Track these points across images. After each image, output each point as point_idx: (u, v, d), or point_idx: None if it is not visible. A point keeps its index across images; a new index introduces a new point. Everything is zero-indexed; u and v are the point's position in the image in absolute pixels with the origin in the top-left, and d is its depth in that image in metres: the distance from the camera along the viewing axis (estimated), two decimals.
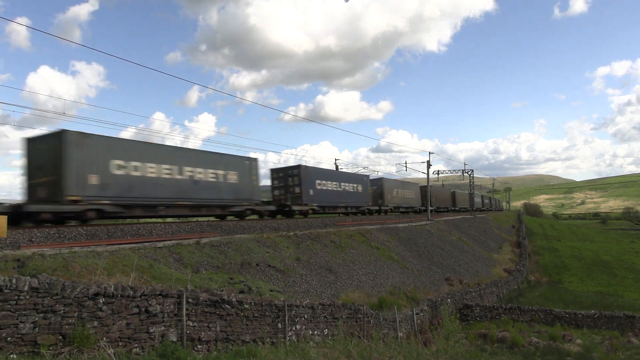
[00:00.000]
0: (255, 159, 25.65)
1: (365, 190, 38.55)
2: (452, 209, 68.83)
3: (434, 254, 29.10)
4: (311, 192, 30.03)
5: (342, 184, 34.60)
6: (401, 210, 48.34)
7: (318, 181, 30.99)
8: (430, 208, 52.61)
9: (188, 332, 8.05)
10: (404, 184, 51.01)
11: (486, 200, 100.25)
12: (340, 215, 37.30)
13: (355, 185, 36.61)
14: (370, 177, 43.59)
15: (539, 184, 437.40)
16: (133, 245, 13.17)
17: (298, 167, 30.01)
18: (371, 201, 39.98)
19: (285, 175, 30.09)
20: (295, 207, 28.64)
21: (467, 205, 76.10)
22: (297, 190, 29.31)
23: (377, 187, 42.74)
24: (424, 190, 54.76)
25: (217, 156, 23.21)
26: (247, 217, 26.12)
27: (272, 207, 27.42)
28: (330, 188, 32.52)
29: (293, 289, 14.70)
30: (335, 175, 34.96)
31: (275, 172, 30.88)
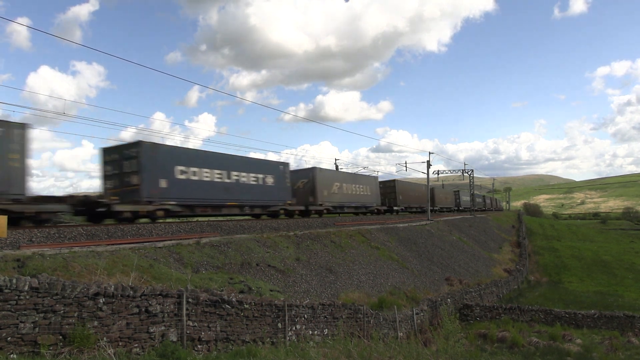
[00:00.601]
0: (20, 125, 15.47)
1: (282, 183, 27.63)
2: (431, 209, 58.44)
3: (434, 254, 29.11)
4: (164, 183, 19.76)
5: (234, 173, 23.76)
6: (346, 210, 36.89)
7: (180, 167, 20.64)
8: (396, 208, 45.51)
9: (188, 332, 8.05)
10: (353, 176, 39.30)
11: (479, 199, 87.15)
12: (233, 218, 26.94)
13: (260, 176, 25.72)
14: (303, 167, 33.98)
15: (539, 184, 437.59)
16: (133, 245, 13.18)
17: (137, 144, 19.22)
18: (292, 198, 29.01)
19: (120, 158, 19.61)
20: (122, 207, 17.83)
21: (452, 205, 69.32)
22: (134, 180, 18.96)
23: (308, 180, 31.63)
24: (389, 186, 46.79)
25: None
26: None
27: (61, 207, 16.76)
28: (205, 179, 21.92)
29: (293, 289, 14.71)
30: (216, 159, 23.13)
31: (107, 154, 20.22)
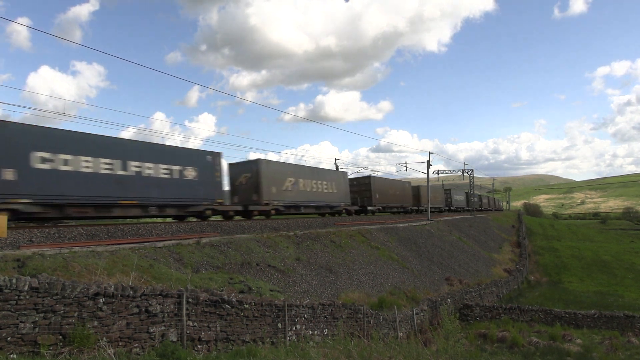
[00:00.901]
0: None
1: (209, 177, 22.48)
2: (413, 209, 51.51)
3: (434, 253, 29.11)
4: (10, 174, 15.16)
5: (134, 163, 18.70)
6: (303, 211, 30.57)
7: (40, 154, 15.92)
8: (371, 208, 40.21)
9: (188, 332, 8.05)
10: (314, 171, 32.76)
11: (474, 199, 74.65)
12: (136, 220, 22.33)
13: (176, 167, 20.55)
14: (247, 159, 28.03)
15: (539, 184, 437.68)
16: (133, 245, 13.18)
17: None
18: (223, 195, 24.08)
19: None
20: None
21: (442, 205, 62.61)
22: None
23: (251, 174, 26.22)
24: (364, 183, 40.98)
25: None
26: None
27: None
28: (84, 169, 16.89)
29: (293, 289, 14.70)
30: (104, 145, 18.03)
31: None
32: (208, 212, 22.61)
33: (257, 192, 25.98)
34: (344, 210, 36.23)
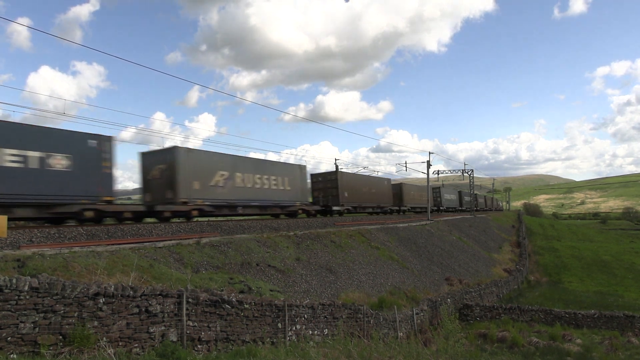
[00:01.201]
0: None
1: (89, 168, 17.14)
2: (393, 209, 46.18)
3: (434, 253, 29.12)
4: None
5: None
6: (241, 211, 24.86)
7: None
8: (337, 208, 34.47)
9: (188, 332, 8.05)
10: (257, 163, 26.71)
11: (467, 198, 71.28)
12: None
13: (34, 154, 15.46)
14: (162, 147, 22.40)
15: (539, 184, 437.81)
16: (133, 245, 13.18)
17: None
18: (111, 193, 17.84)
19: None
20: None
21: (433, 205, 56.44)
22: None
23: (166, 166, 21.08)
24: (331, 179, 35.27)
25: None
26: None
27: None
28: None
29: (293, 289, 14.71)
30: None
31: None
32: (88, 214, 16.99)
33: (172, 189, 20.76)
34: (300, 211, 30.31)
